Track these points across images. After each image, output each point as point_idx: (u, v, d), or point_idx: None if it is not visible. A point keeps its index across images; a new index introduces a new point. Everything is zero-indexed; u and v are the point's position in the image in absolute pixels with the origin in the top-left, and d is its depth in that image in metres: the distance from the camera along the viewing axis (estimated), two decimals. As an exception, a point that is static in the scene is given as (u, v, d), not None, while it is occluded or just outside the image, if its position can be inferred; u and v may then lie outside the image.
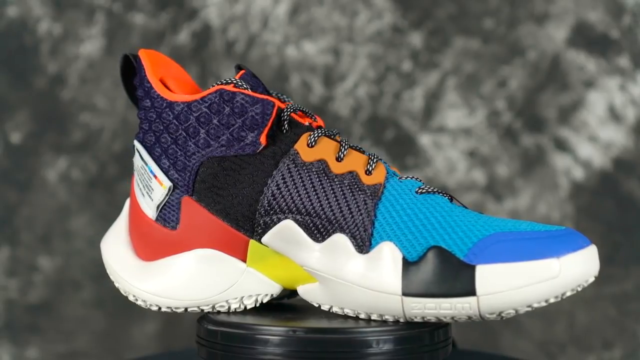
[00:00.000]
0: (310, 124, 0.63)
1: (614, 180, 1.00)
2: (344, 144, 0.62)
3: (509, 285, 0.57)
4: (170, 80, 0.64)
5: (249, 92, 0.61)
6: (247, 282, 0.62)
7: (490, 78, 1.01)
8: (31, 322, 1.02)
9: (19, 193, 1.01)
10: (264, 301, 0.63)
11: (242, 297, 0.62)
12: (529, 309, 0.58)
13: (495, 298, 0.57)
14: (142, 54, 0.63)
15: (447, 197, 0.61)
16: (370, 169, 0.61)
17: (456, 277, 0.57)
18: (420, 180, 0.62)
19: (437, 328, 0.58)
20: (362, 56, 1.01)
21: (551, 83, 1.00)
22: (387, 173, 0.61)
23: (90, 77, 1.01)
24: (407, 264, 0.58)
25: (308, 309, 0.62)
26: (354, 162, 0.61)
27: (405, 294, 0.58)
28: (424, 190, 0.61)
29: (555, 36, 1.00)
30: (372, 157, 0.62)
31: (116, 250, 0.65)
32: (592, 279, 0.59)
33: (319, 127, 0.64)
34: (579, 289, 0.58)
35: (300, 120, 0.63)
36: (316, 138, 0.62)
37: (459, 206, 0.61)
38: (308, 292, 0.61)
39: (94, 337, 1.02)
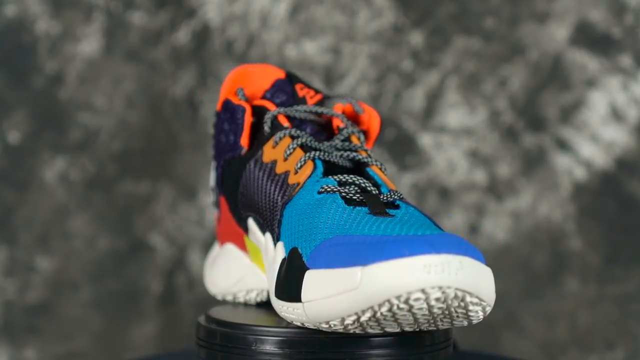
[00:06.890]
0: (293, 126, 0.63)
1: (616, 180, 1.00)
2: (293, 143, 0.61)
3: (322, 294, 0.52)
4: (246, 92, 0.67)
5: (236, 99, 0.64)
6: (250, 276, 0.65)
7: (491, 77, 1.00)
8: (29, 323, 1.01)
9: (17, 193, 1.01)
10: (265, 295, 0.65)
11: (247, 291, 0.66)
12: (350, 321, 0.52)
13: (314, 306, 0.52)
14: (233, 71, 0.67)
15: (343, 196, 0.56)
16: (297, 168, 0.59)
17: (295, 281, 0.54)
18: (338, 182, 0.58)
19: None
20: (362, 55, 1.01)
21: (553, 82, 1.00)
22: (314, 172, 0.59)
23: (88, 77, 1.01)
24: (283, 266, 0.56)
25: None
26: (293, 161, 0.60)
27: (275, 295, 0.57)
28: (322, 190, 0.57)
29: (557, 35, 1.00)
30: (305, 157, 0.59)
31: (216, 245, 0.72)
32: (432, 294, 0.49)
33: (290, 127, 0.62)
34: (405, 307, 0.50)
35: (283, 122, 0.63)
36: (278, 140, 0.62)
37: (357, 207, 0.55)
38: None
39: (93, 337, 1.01)
